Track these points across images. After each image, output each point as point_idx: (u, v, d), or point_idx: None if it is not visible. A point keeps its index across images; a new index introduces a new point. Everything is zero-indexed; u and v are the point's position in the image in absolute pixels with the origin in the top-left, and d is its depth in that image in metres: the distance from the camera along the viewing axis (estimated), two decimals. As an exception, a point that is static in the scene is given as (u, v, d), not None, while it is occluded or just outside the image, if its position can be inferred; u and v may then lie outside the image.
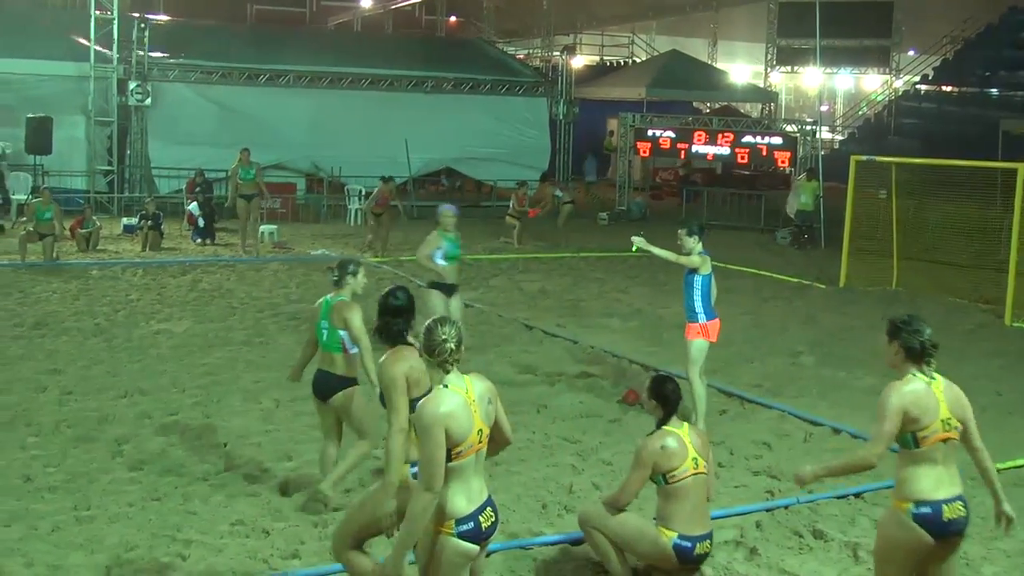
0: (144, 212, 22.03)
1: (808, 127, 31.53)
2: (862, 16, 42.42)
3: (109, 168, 27.68)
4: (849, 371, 13.12)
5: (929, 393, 5.73)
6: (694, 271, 10.23)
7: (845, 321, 16.47)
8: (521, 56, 40.53)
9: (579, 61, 42.83)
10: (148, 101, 27.20)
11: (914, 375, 5.76)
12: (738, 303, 17.14)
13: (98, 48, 27.04)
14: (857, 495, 8.77)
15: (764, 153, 29.17)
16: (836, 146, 44.31)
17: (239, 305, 16.10)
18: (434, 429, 5.28)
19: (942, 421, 5.71)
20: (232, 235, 23.34)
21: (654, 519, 6.81)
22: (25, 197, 23.48)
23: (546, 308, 16.67)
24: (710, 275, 10.36)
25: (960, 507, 5.72)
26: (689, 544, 6.62)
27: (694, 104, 42.31)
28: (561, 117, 31.85)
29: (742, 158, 29.87)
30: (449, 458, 5.34)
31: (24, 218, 21.40)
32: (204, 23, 35.94)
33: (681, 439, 6.71)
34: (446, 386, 5.45)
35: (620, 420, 10.75)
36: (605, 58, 48.20)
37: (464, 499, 5.43)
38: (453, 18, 49.24)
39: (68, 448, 9.42)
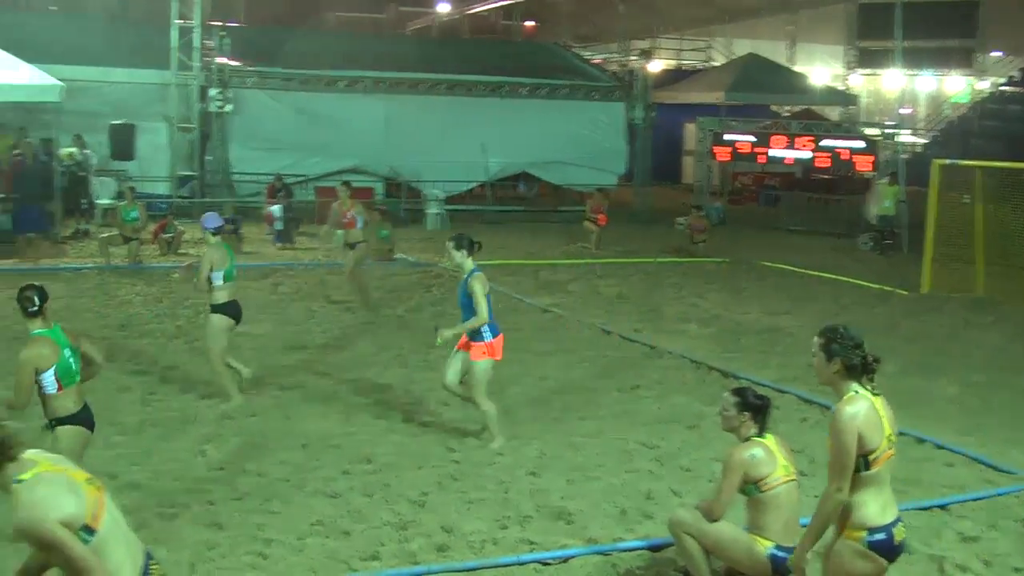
0: (225, 217, 22.28)
1: (889, 130, 31.05)
2: (945, 16, 41.63)
3: (190, 173, 28.12)
4: (932, 380, 12.87)
5: (873, 411, 5.49)
6: (470, 292, 9.62)
7: (927, 329, 16.19)
8: (598, 61, 40.38)
9: (656, 65, 42.63)
10: (229, 108, 27.57)
11: (856, 392, 5.52)
12: (817, 310, 16.95)
13: (182, 54, 27.51)
14: (942, 507, 8.59)
15: (844, 157, 28.79)
16: (918, 149, 43.57)
17: (318, 308, 16.25)
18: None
19: (886, 438, 5.50)
20: (311, 239, 23.55)
21: (746, 528, 6.69)
22: (109, 202, 23.92)
23: (624, 313, 16.60)
24: (487, 295, 9.71)
25: (901, 527, 5.59)
26: (784, 555, 6.44)
27: (772, 108, 41.90)
28: (638, 122, 31.69)
29: (822, 162, 29.53)
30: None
31: (109, 222, 21.83)
32: (284, 30, 36.34)
33: (768, 448, 6.60)
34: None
35: (699, 426, 10.65)
36: (683, 62, 47.93)
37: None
38: (530, 23, 49.29)
39: (152, 447, 9.58)
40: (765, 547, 6.50)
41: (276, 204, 23.52)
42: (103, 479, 4.96)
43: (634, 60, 35.18)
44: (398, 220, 27.22)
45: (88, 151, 25.00)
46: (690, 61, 48.21)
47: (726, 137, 30.22)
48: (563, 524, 8.05)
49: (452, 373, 9.97)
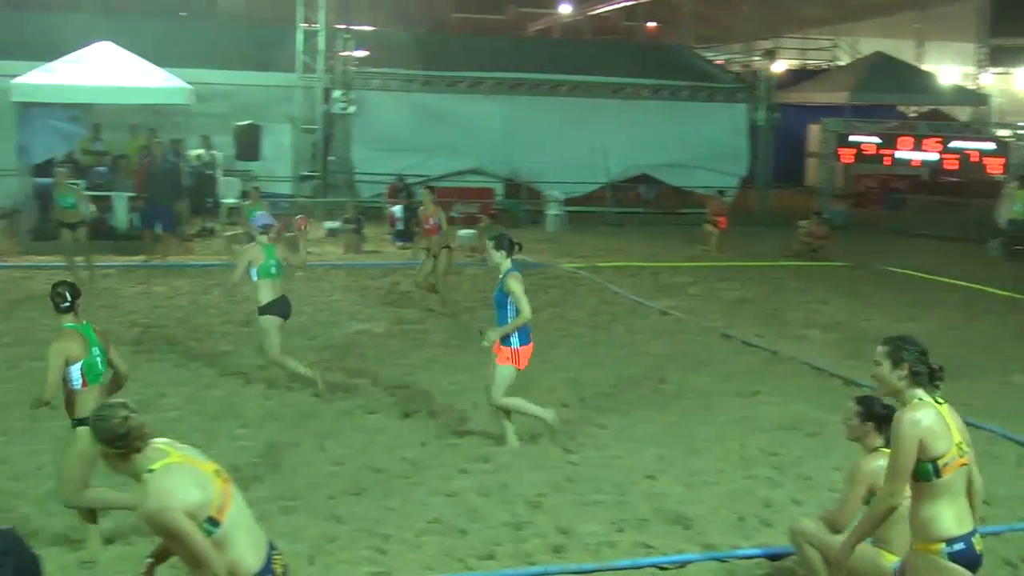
0: (346, 216, 22.69)
1: (1021, 131, 30.09)
2: (1084, 11, 40.12)
3: (313, 174, 28.62)
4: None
5: (940, 418, 5.34)
6: (507, 292, 9.48)
7: (1063, 337, 15.65)
8: (720, 61, 39.95)
9: (780, 66, 41.98)
10: (352, 109, 27.99)
11: (920, 399, 5.37)
12: (945, 317, 16.53)
13: (306, 56, 28.04)
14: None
15: (974, 159, 27.99)
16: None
17: (437, 308, 16.37)
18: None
19: (956, 446, 5.35)
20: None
21: (871, 542, 6.51)
22: (234, 201, 24.48)
23: (744, 317, 16.39)
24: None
25: (980, 536, 5.43)
26: None
27: (899, 108, 40.93)
28: (761, 123, 31.27)
29: (950, 164, 28.75)
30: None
31: (234, 220, 22.37)
32: (406, 31, 36.75)
33: None
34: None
35: (820, 434, 10.44)
36: (807, 62, 47.12)
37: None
38: (652, 24, 48.96)
39: (273, 440, 9.77)
40: (890, 561, 6.32)
41: (397, 204, 23.79)
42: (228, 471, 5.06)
43: (757, 60, 34.67)
44: (517, 221, 27.36)
45: (215, 151, 25.64)
46: (815, 61, 47.35)
47: (851, 138, 29.62)
48: (680, 529, 7.98)
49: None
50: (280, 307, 11.36)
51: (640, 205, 31.68)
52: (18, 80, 21.32)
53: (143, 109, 23.13)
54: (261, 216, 11.77)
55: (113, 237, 21.16)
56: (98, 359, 7.23)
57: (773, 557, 7.42)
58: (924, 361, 5.41)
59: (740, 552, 7.56)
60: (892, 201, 31.18)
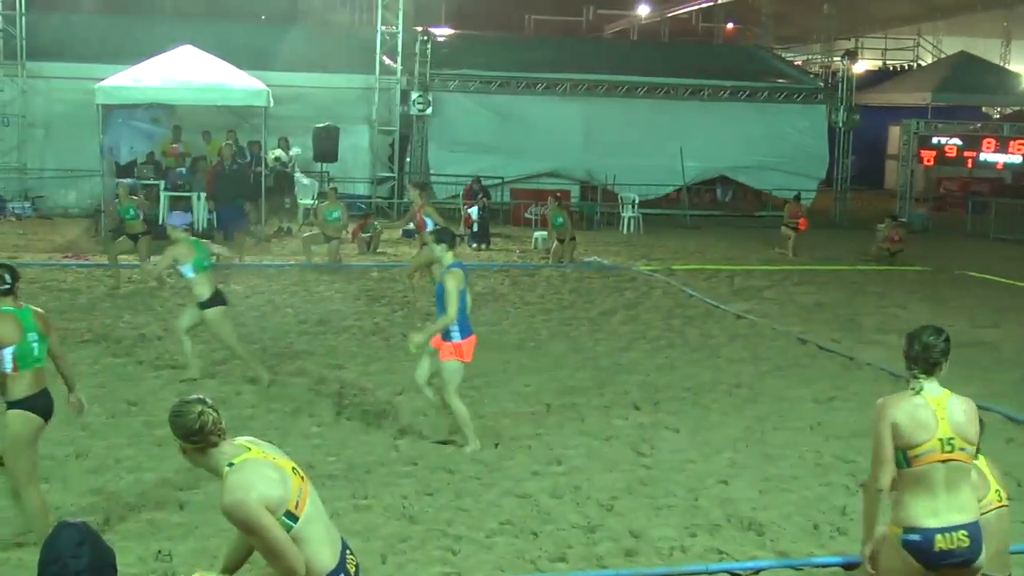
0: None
1: (1111, 135, 29.39)
2: None
3: (390, 175, 28.84)
4: None
5: (925, 408, 5.33)
6: (444, 287, 9.35)
7: None
8: (799, 62, 39.57)
9: (860, 66, 41.44)
10: (429, 111, 28.15)
11: (913, 389, 5.40)
12: (1029, 322, 16.21)
13: (384, 59, 28.26)
14: None
15: (1062, 162, 27.40)
16: None
17: (512, 309, 16.42)
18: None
19: (940, 440, 5.29)
20: (507, 241, 23.87)
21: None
22: (311, 202, 24.75)
23: (821, 322, 16.20)
24: (466, 289, 9.51)
25: (962, 536, 5.30)
26: None
27: (983, 109, 40.21)
28: (841, 124, 30.87)
29: (1037, 167, 28.16)
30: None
31: (311, 221, 22.62)
32: (483, 34, 36.89)
33: (979, 470, 6.26)
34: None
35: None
36: (888, 62, 46.45)
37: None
38: (730, 25, 48.59)
39: (348, 439, 9.86)
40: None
41: (473, 206, 23.89)
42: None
43: (837, 61, 34.26)
44: (593, 223, 27.33)
45: (293, 153, 25.94)
46: (896, 60, 46.67)
47: (932, 140, 29.14)
48: (753, 535, 7.91)
49: (421, 371, 9.79)
50: (221, 298, 11.59)
51: (716, 207, 31.48)
52: (102, 83, 21.77)
53: (223, 111, 23.48)
54: (178, 215, 11.93)
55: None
56: (34, 345, 7.07)
57: (848, 566, 7.32)
58: (916, 344, 5.45)
59: (815, 560, 7.47)
60: (974, 204, 30.59)
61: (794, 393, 11.97)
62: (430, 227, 15.52)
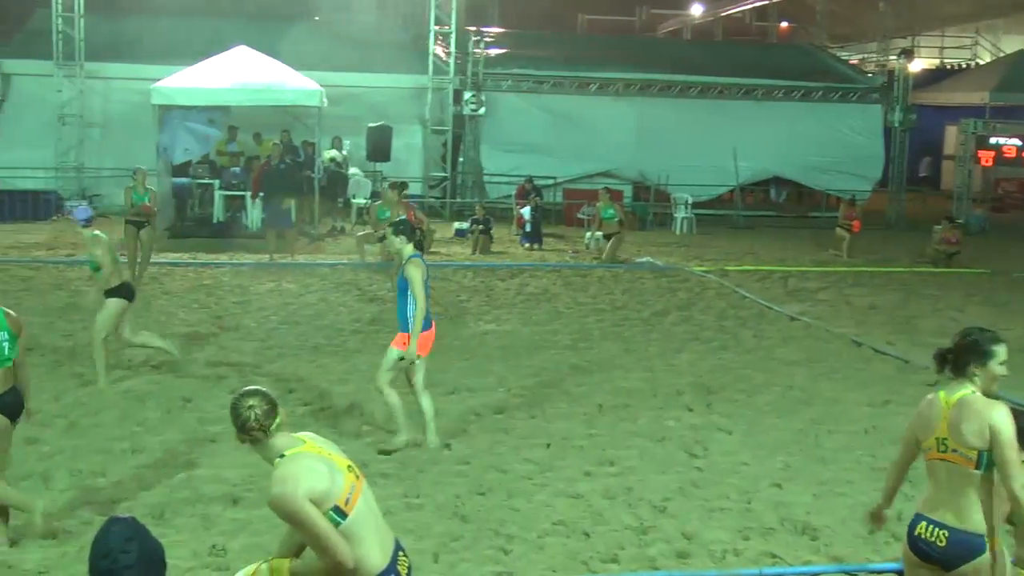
0: (475, 217, 22.88)
1: None
2: None
3: (443, 174, 28.92)
4: None
5: (933, 406, 5.40)
6: (406, 278, 9.25)
7: None
8: (855, 61, 39.16)
9: (917, 64, 40.95)
10: (482, 110, 28.20)
11: (942, 386, 5.46)
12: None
13: (438, 57, 28.34)
14: None
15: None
16: None
17: (565, 309, 16.40)
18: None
19: (936, 440, 5.34)
20: (559, 241, 23.86)
21: (1012, 561, 6.23)
22: (365, 201, 24.87)
23: (876, 324, 16.02)
24: (426, 281, 9.38)
25: (939, 534, 5.30)
26: None
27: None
28: (896, 124, 30.53)
29: (1099, 169, 27.71)
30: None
31: (364, 220, 22.72)
32: (536, 33, 36.89)
33: None
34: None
35: (955, 444, 10.14)
36: (945, 61, 45.87)
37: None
38: (785, 23, 48.25)
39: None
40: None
41: (526, 206, 23.89)
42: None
43: (893, 59, 33.85)
44: (645, 224, 27.24)
45: (346, 152, 26.09)
46: (953, 59, 46.07)
47: (991, 140, 28.74)
48: (807, 539, 7.84)
49: (416, 379, 9.67)
50: (127, 291, 11.52)
51: (770, 208, 31.25)
52: (158, 84, 22.01)
53: (277, 111, 23.65)
54: (80, 210, 11.98)
55: (245, 236, 21.68)
56: (4, 344, 7.11)
57: (904, 573, 7.21)
58: (940, 352, 5.52)
59: (871, 566, 7.39)
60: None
61: (849, 396, 11.85)
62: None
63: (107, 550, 3.60)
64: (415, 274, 9.19)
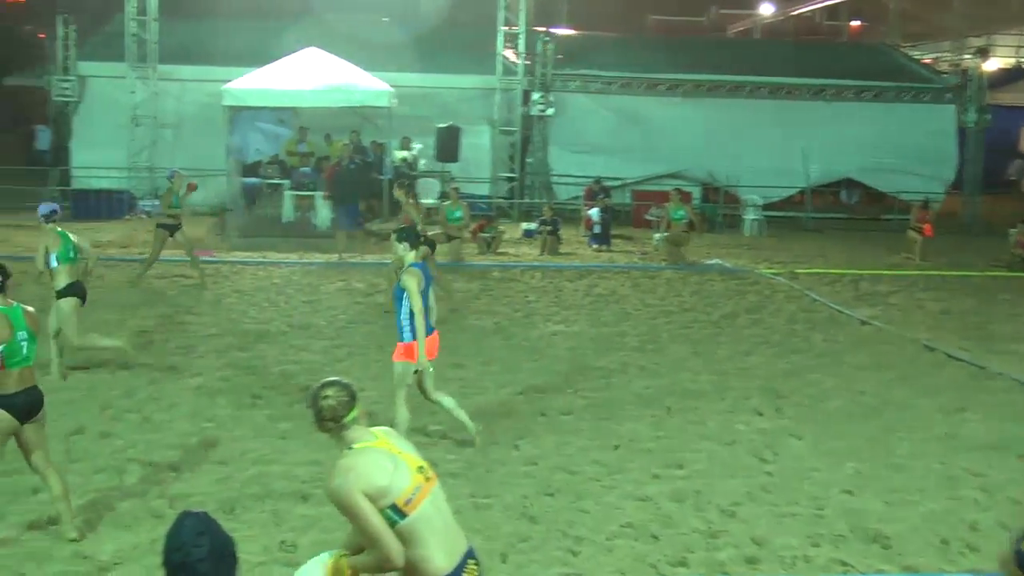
0: (543, 218, 22.87)
1: None
2: None
3: (511, 175, 28.94)
4: None
5: None
6: (403, 287, 9.16)
7: None
8: (928, 60, 38.58)
9: (992, 64, 40.25)
10: (550, 111, 28.18)
11: None
12: None
13: (506, 57, 28.38)
14: None
15: None
16: None
17: (633, 311, 16.33)
18: None
19: None
20: (627, 242, 23.77)
21: None
22: (433, 202, 24.96)
23: (949, 329, 15.75)
24: (425, 289, 9.28)
25: None
26: None
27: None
28: (971, 125, 30.01)
29: None
30: None
31: (433, 221, 22.81)
32: (604, 34, 36.80)
33: None
34: None
35: (1033, 453, 9.97)
36: (1022, 60, 45.04)
37: None
38: (856, 22, 47.69)
39: (468, 438, 9.86)
40: None
41: (594, 207, 23.84)
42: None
43: (968, 59, 33.32)
44: (714, 226, 27.04)
45: (416, 152, 26.20)
46: (1030, 59, 45.23)
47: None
48: (878, 548, 7.72)
49: (427, 385, 9.57)
50: (77, 289, 11.55)
51: (840, 210, 30.86)
52: (230, 85, 22.27)
53: (347, 111, 23.80)
54: (44, 204, 12.04)
55: (314, 235, 21.87)
56: (23, 344, 7.18)
57: (980, 583, 7.11)
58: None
59: (943, 576, 7.28)
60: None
61: (921, 402, 11.66)
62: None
63: (180, 543, 3.65)
64: (410, 284, 9.15)
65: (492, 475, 8.93)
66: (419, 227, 15.25)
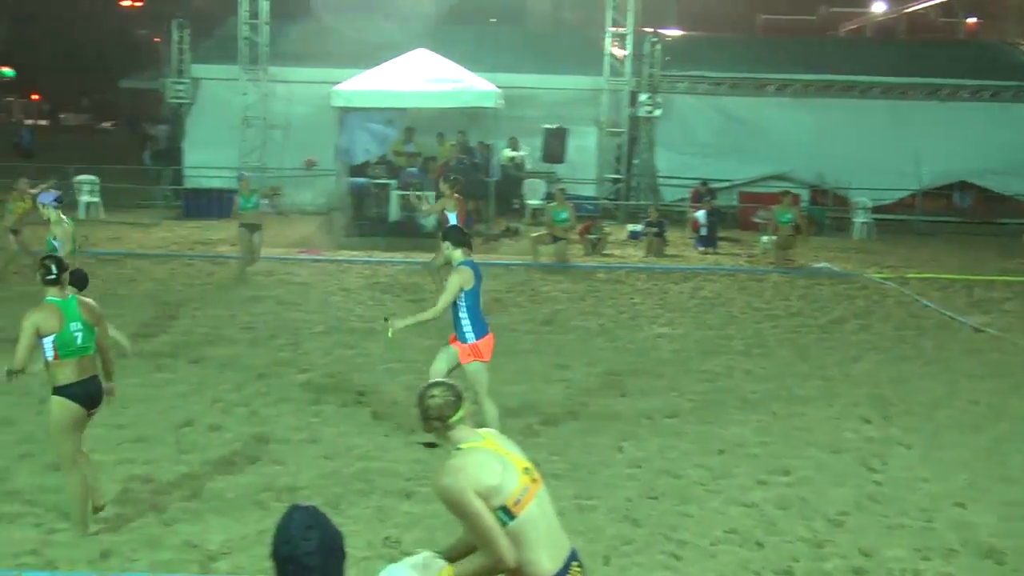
0: (649, 219, 22.75)
1: None
2: None
3: (617, 177, 28.83)
4: None
5: None
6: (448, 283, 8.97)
7: None
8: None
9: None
10: (658, 112, 28.03)
11: None
12: None
13: (614, 60, 28.29)
14: None
15: None
16: None
17: (739, 314, 16.15)
18: None
19: None
20: (734, 245, 23.53)
21: None
22: (539, 202, 25.00)
23: (1069, 337, 15.29)
24: (475, 288, 9.06)
25: None
26: None
27: None
28: (1094, 125, 29.05)
29: None
30: None
31: (538, 221, 22.84)
32: (712, 35, 36.49)
33: None
34: None
35: None
36: None
37: None
38: (973, 19, 46.53)
39: (572, 439, 9.89)
40: None
41: (700, 209, 23.64)
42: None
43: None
44: (822, 228, 26.63)
45: (523, 153, 26.26)
46: None
47: None
48: (992, 564, 7.50)
49: (435, 367, 9.32)
50: (76, 278, 11.65)
51: (953, 213, 30.12)
52: (339, 87, 22.54)
53: (453, 112, 23.94)
54: (47, 193, 12.26)
55: (420, 235, 22.03)
56: (77, 335, 7.28)
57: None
58: None
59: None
60: None
61: (1039, 412, 11.33)
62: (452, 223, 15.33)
63: (288, 536, 3.70)
64: (453, 281, 9.14)
65: (596, 477, 8.89)
66: (457, 222, 15.22)
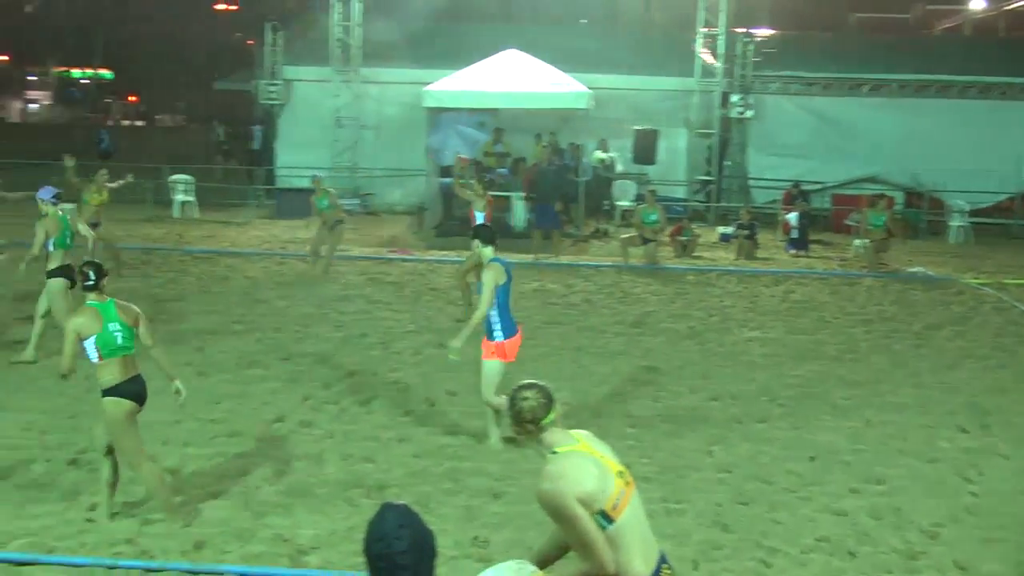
0: (740, 222, 22.53)
1: None
2: None
3: (708, 178, 28.60)
4: None
5: None
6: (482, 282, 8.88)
7: None
8: None
9: None
10: (749, 114, 27.75)
11: None
12: None
13: (706, 60, 28.06)
14: None
15: None
16: None
17: (831, 319, 15.91)
18: None
19: None
20: (826, 248, 23.21)
21: None
22: (629, 204, 24.89)
23: None
24: (506, 285, 9.01)
25: None
26: None
27: None
28: None
29: None
30: None
31: (628, 222, 22.75)
32: (805, 34, 36.00)
33: None
34: None
35: None
36: None
37: None
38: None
39: (661, 442, 9.84)
40: None
41: (792, 211, 23.35)
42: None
43: None
44: (918, 232, 26.13)
45: (613, 155, 26.16)
46: None
47: None
48: (1095, 576, 7.31)
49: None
50: (68, 272, 11.86)
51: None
52: (429, 87, 22.67)
53: (544, 113, 23.93)
54: (46, 189, 12.35)
55: (510, 236, 22.07)
56: (117, 335, 7.51)
57: None
58: None
59: None
60: None
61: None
62: (480, 220, 15.20)
63: (382, 534, 3.73)
64: (487, 278, 9.22)
65: (685, 481, 8.83)
66: (484, 217, 15.40)
